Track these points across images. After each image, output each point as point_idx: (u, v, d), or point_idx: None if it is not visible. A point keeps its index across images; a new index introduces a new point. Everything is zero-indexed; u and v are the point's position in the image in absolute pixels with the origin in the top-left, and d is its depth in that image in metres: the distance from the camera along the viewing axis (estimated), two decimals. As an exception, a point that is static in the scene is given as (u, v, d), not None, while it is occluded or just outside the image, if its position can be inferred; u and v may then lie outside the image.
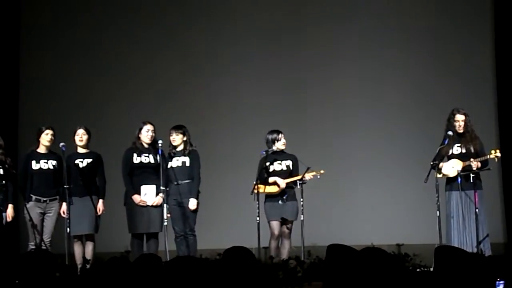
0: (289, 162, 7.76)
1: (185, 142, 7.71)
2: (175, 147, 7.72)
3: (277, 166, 7.74)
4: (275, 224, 7.64)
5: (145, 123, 7.66)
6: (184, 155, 7.68)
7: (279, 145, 7.75)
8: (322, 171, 7.60)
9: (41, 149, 7.63)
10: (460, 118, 7.62)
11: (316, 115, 9.68)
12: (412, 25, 9.73)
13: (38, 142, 7.62)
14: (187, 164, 7.66)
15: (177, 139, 7.69)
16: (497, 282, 4.03)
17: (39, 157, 7.58)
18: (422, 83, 9.63)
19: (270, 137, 7.78)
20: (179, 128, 7.72)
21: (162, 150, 7.55)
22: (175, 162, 7.67)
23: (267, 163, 7.68)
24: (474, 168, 7.45)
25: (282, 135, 7.78)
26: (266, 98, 9.70)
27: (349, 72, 9.72)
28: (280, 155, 7.78)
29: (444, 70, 9.63)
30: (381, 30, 9.70)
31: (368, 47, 9.70)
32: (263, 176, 7.64)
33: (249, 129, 9.36)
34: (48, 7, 10.16)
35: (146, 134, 7.62)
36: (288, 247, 7.62)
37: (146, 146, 7.63)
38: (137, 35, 9.97)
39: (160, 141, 7.55)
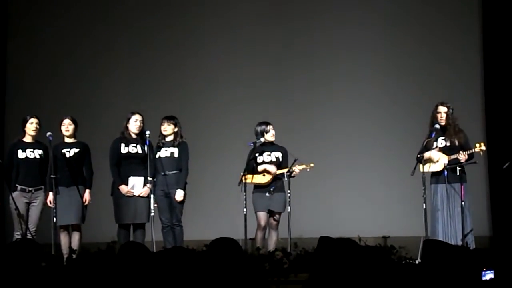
0: (279, 154, 7.76)
1: (175, 133, 7.70)
2: (164, 137, 7.71)
3: (266, 157, 7.73)
4: (262, 215, 7.64)
5: (133, 113, 7.64)
6: (174, 146, 7.68)
7: (268, 136, 7.73)
8: (312, 164, 7.60)
9: (27, 139, 7.60)
10: (442, 110, 7.64)
11: (305, 108, 9.67)
12: (401, 18, 9.75)
13: (24, 131, 7.59)
14: (176, 155, 7.66)
15: (168, 129, 7.68)
16: (483, 272, 4.05)
17: (25, 146, 7.55)
18: (409, 77, 9.65)
19: (259, 128, 7.77)
20: (171, 119, 7.72)
21: (149, 141, 7.54)
22: (164, 153, 7.67)
23: (256, 154, 7.68)
24: (462, 161, 7.46)
25: (271, 127, 7.77)
26: (256, 89, 9.69)
27: (337, 64, 9.72)
28: (270, 146, 7.77)
29: (431, 64, 9.64)
30: (373, 24, 9.70)
31: (360, 39, 9.70)
32: (252, 167, 7.64)
33: (237, 120, 9.34)
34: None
35: (134, 124, 7.60)
36: (275, 239, 7.63)
37: (134, 136, 7.62)
38: (125, 25, 9.94)
39: (148, 132, 7.54)
